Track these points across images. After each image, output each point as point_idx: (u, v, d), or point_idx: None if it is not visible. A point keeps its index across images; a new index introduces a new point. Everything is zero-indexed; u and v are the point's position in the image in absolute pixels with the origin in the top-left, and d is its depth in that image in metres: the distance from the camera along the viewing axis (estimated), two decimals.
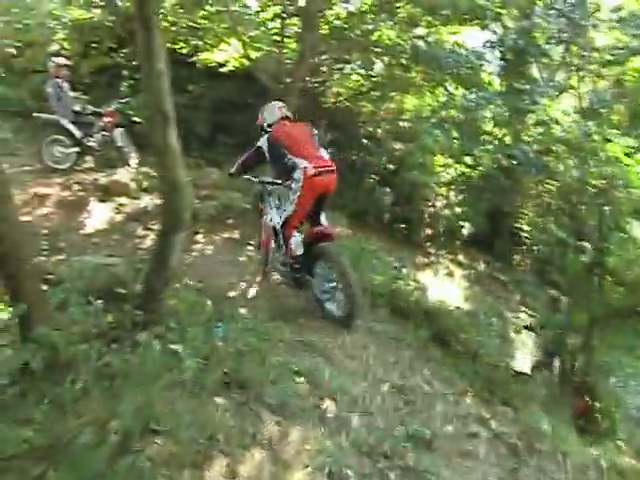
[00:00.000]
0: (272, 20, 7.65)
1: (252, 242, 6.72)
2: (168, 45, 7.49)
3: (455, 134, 7.87)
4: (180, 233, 3.57)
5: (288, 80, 7.35)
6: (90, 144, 8.09)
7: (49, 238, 6.35)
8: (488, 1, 6.16)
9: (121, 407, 2.51)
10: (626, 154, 6.24)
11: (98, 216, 7.08)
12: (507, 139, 7.94)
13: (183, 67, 9.38)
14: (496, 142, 7.78)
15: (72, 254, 5.91)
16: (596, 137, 6.19)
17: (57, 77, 7.81)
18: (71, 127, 7.91)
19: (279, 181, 4.72)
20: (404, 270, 8.40)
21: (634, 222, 6.54)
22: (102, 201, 7.35)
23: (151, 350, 3.07)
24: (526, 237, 12.19)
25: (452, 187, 10.03)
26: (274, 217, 4.84)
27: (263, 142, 4.75)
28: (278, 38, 7.31)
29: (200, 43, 7.42)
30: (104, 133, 8.38)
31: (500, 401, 4.34)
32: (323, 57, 8.57)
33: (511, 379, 5.12)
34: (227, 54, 7.66)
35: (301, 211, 4.54)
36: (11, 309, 3.07)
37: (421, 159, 8.97)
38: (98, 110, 8.38)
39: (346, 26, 7.89)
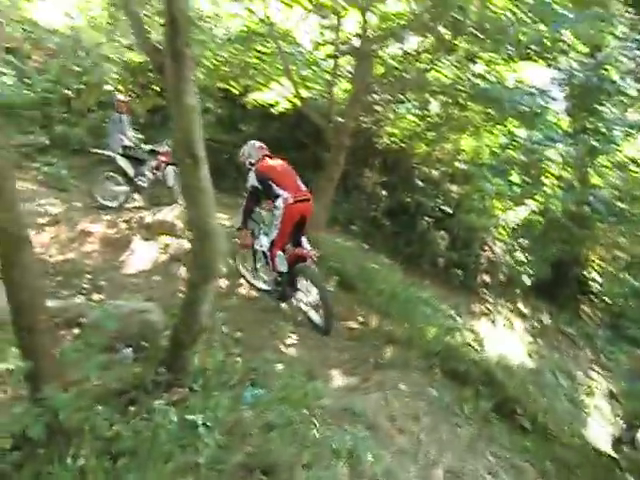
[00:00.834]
0: (325, 60, 7.47)
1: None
2: (220, 84, 7.43)
3: (516, 177, 7.28)
4: (210, 284, 3.23)
5: (340, 120, 7.07)
6: (141, 183, 8.07)
7: (91, 276, 6.24)
8: (556, 33, 5.68)
9: None
10: None
11: (142, 255, 6.93)
12: (575, 183, 7.27)
13: (236, 106, 9.42)
14: (563, 186, 7.12)
15: (112, 294, 5.77)
16: None
17: (119, 112, 7.92)
18: (125, 165, 7.93)
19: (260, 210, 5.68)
20: (459, 319, 7.75)
21: None
22: (147, 239, 7.21)
23: (167, 420, 2.68)
24: (595, 286, 11.23)
25: (513, 232, 9.35)
26: (264, 243, 5.51)
27: (253, 180, 5.35)
28: (330, 78, 7.07)
29: (251, 83, 7.30)
30: (155, 172, 8.38)
31: None
32: (377, 97, 8.26)
33: (591, 463, 4.36)
34: (278, 94, 7.50)
35: (283, 234, 5.26)
36: (20, 363, 2.79)
37: (479, 202, 8.42)
38: (155, 149, 8.40)
39: (401, 66, 7.59)
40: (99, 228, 7.30)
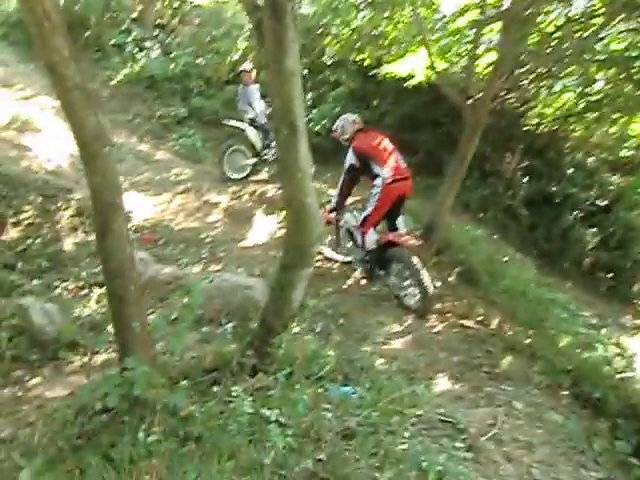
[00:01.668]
0: (469, 28, 6.71)
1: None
2: (353, 57, 7.07)
3: None
4: (305, 269, 2.97)
5: (479, 96, 6.32)
6: (267, 157, 8.11)
7: (211, 246, 6.43)
8: None
9: None
10: None
11: (261, 229, 6.98)
12: None
13: (369, 80, 9.01)
14: None
15: (228, 266, 5.88)
16: None
17: (246, 83, 7.99)
18: (254, 137, 7.98)
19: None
20: (603, 330, 6.68)
21: None
22: (268, 214, 7.24)
23: (241, 410, 2.50)
24: None
25: None
26: (350, 220, 5.51)
27: (351, 158, 5.18)
28: (471, 48, 6.32)
29: (384, 54, 6.81)
30: None
31: None
32: (526, 70, 7.28)
33: None
34: (413, 66, 6.92)
35: (378, 212, 5.13)
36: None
37: None
38: None
39: (560, 33, 6.54)
40: (224, 199, 7.51)
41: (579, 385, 4.20)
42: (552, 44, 6.57)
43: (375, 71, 7.78)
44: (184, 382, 2.93)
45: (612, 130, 9.21)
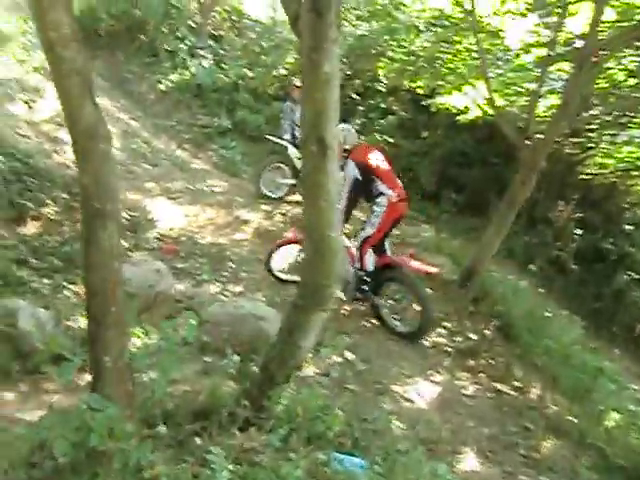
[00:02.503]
0: (535, 65, 6.22)
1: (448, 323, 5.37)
2: (406, 82, 6.66)
3: None
4: (319, 313, 2.52)
5: (539, 136, 5.82)
6: None
7: (234, 265, 6.05)
8: None
9: None
10: None
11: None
12: None
13: (421, 110, 8.61)
14: None
15: (248, 288, 5.48)
16: None
17: (292, 98, 7.61)
18: (295, 156, 7.62)
19: None
20: None
21: None
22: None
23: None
24: None
25: None
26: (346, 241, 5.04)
27: (353, 171, 4.78)
28: (535, 86, 5.84)
29: (440, 83, 6.38)
30: None
31: None
32: (591, 116, 6.73)
33: None
34: (469, 99, 6.48)
35: (379, 233, 4.86)
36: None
37: None
38: None
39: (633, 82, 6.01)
40: (255, 217, 7.17)
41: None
42: (622, 91, 6.04)
43: (429, 101, 7.37)
44: (162, 428, 2.52)
45: None
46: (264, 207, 7.45)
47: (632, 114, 6.73)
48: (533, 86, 6.07)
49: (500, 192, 7.05)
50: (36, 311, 3.47)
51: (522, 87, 6.40)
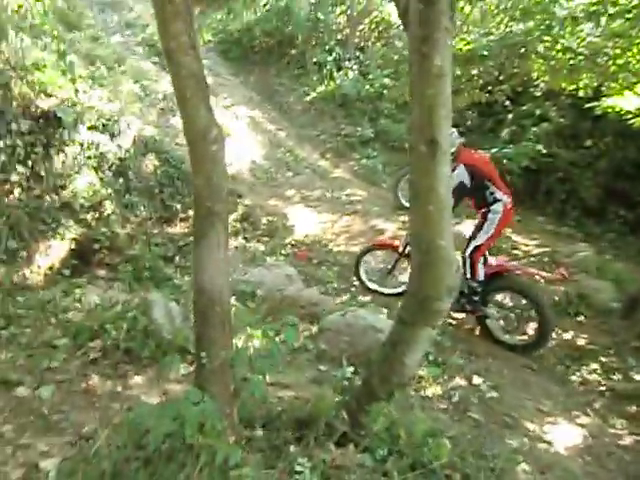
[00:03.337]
0: None
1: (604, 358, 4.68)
2: (564, 84, 5.97)
3: None
4: (426, 329, 2.30)
5: None
6: None
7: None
8: None
9: None
10: None
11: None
12: None
13: (583, 115, 7.68)
14: None
15: (376, 300, 5.36)
16: None
17: None
18: None
19: None
20: None
21: None
22: None
23: None
24: None
25: None
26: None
27: (462, 175, 4.47)
28: None
29: (606, 83, 5.57)
30: None
31: None
32: None
33: None
34: None
35: (492, 241, 4.65)
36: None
37: None
38: None
39: None
40: (391, 227, 7.03)
41: None
42: None
43: (592, 104, 6.54)
44: (260, 431, 2.52)
45: None
46: (402, 218, 7.27)
47: None
48: None
49: None
50: (169, 304, 3.75)
51: None
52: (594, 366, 4.60)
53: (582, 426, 3.73)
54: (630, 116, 6.45)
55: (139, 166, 5.95)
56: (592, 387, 4.28)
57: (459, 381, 3.90)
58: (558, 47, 4.77)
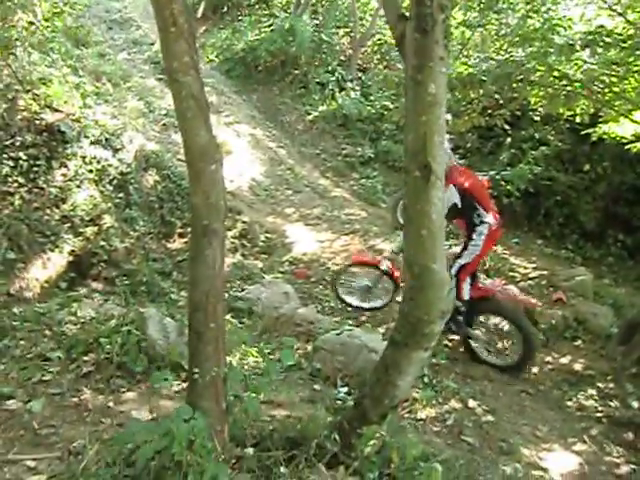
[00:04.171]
0: None
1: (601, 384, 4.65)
2: (562, 110, 6.06)
3: None
4: (419, 352, 2.30)
5: None
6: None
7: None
8: None
9: None
10: None
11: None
12: None
13: (581, 140, 7.77)
14: None
15: (372, 319, 5.36)
16: None
17: None
18: None
19: None
20: None
21: None
22: None
23: None
24: None
25: None
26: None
27: (454, 196, 4.44)
28: None
29: (603, 108, 5.65)
30: None
31: None
32: None
33: None
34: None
35: (477, 261, 4.66)
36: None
37: None
38: None
39: None
40: (389, 247, 7.03)
41: None
42: None
43: (589, 130, 6.62)
44: (250, 450, 2.50)
45: None
46: (400, 237, 7.29)
47: None
48: None
49: None
50: (164, 320, 3.74)
51: None
52: (591, 392, 4.57)
53: (578, 453, 3.70)
54: (626, 142, 6.55)
55: (140, 181, 6.00)
56: (589, 413, 4.25)
57: (454, 404, 3.88)
58: (555, 74, 4.84)
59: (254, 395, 2.50)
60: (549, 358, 4.99)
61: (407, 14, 1.98)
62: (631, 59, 4.92)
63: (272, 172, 8.46)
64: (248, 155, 7.93)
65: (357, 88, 10.88)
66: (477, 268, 4.79)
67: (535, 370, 4.75)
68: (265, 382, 2.52)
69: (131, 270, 5.10)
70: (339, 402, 3.46)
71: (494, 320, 4.79)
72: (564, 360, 5.13)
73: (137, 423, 2.33)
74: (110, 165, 5.72)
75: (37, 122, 5.28)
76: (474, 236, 4.54)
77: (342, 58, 11.59)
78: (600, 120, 6.31)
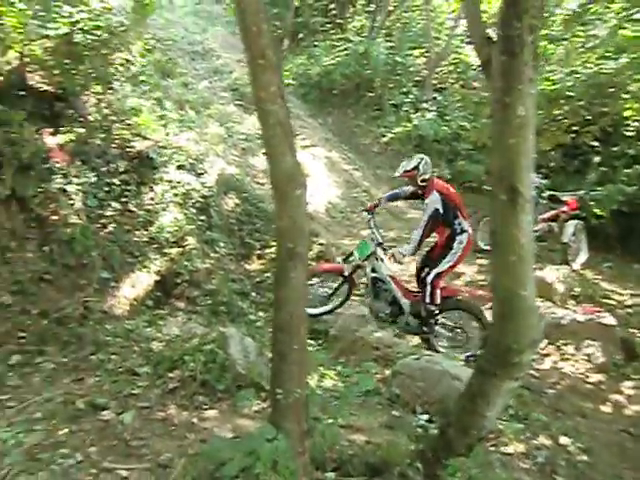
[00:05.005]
0: None
1: None
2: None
3: None
4: (507, 382, 2.20)
5: None
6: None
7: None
8: None
9: None
10: None
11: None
12: None
13: None
14: None
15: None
16: None
17: None
18: None
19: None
20: None
21: None
22: None
23: None
24: None
25: None
26: (385, 270, 5.06)
27: (437, 203, 4.61)
28: None
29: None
30: (550, 223, 7.34)
31: None
32: None
33: None
34: None
35: (453, 268, 4.85)
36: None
37: None
38: (557, 195, 7.39)
39: None
40: (469, 271, 6.84)
41: None
42: None
43: None
44: (331, 474, 2.48)
45: None
46: (479, 260, 7.06)
47: None
48: None
49: None
50: (244, 339, 3.83)
51: None
52: None
53: None
54: None
55: (220, 204, 6.24)
56: None
57: (543, 440, 3.64)
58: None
59: (333, 419, 2.49)
60: None
61: (492, 36, 1.95)
62: None
63: (348, 194, 8.51)
64: (324, 178, 8.03)
65: (433, 108, 10.79)
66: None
67: (638, 408, 4.38)
68: (344, 406, 2.50)
69: (212, 290, 5.27)
70: (419, 430, 3.37)
71: (456, 315, 5.00)
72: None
73: (220, 440, 2.39)
74: (193, 189, 6.00)
75: (129, 150, 5.65)
76: (454, 245, 4.69)
77: (417, 79, 11.56)
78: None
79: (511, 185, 1.92)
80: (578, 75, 5.71)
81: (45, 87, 5.05)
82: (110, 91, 5.69)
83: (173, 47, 10.56)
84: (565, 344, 5.13)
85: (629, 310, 5.88)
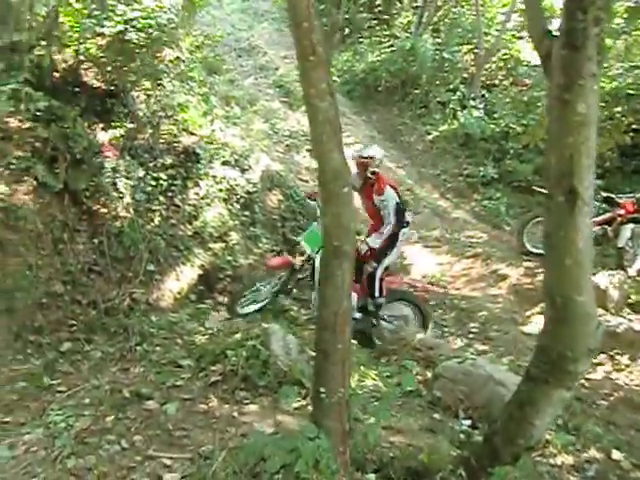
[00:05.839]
0: None
1: None
2: None
3: None
4: (558, 390, 2.12)
5: None
6: None
7: (483, 322, 5.70)
8: None
9: None
10: None
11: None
12: None
13: None
14: None
15: (497, 350, 5.08)
16: None
17: None
18: None
19: None
20: None
21: None
22: None
23: None
24: None
25: None
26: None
27: (394, 197, 4.77)
28: None
29: None
30: (605, 226, 7.04)
31: None
32: None
33: None
34: None
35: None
36: None
37: None
38: (613, 197, 7.08)
39: None
40: (514, 273, 6.65)
41: None
42: None
43: None
44: (372, 476, 2.45)
45: None
46: (526, 264, 6.84)
47: None
48: None
49: None
50: (286, 336, 3.84)
51: None
52: None
53: None
54: None
55: (264, 200, 6.28)
56: None
57: (594, 453, 3.47)
58: None
59: (375, 419, 2.45)
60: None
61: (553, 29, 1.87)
62: None
63: None
64: None
65: (480, 106, 10.51)
66: None
67: None
68: (384, 406, 2.47)
69: None
70: (462, 435, 3.29)
71: (398, 306, 5.16)
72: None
73: (261, 436, 2.40)
74: (238, 185, 6.05)
75: (176, 145, 5.74)
76: (400, 237, 4.86)
77: (465, 76, 11.30)
78: None
79: (569, 186, 1.82)
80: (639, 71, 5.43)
81: (98, 84, 5.19)
82: (159, 87, 5.80)
83: (220, 44, 10.71)
84: (620, 354, 4.91)
85: None
